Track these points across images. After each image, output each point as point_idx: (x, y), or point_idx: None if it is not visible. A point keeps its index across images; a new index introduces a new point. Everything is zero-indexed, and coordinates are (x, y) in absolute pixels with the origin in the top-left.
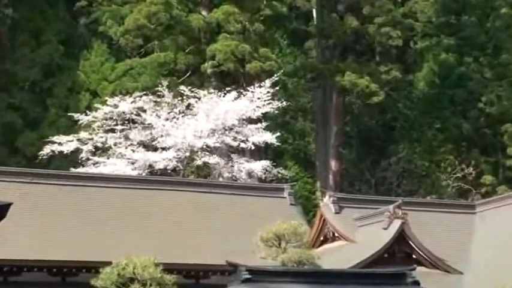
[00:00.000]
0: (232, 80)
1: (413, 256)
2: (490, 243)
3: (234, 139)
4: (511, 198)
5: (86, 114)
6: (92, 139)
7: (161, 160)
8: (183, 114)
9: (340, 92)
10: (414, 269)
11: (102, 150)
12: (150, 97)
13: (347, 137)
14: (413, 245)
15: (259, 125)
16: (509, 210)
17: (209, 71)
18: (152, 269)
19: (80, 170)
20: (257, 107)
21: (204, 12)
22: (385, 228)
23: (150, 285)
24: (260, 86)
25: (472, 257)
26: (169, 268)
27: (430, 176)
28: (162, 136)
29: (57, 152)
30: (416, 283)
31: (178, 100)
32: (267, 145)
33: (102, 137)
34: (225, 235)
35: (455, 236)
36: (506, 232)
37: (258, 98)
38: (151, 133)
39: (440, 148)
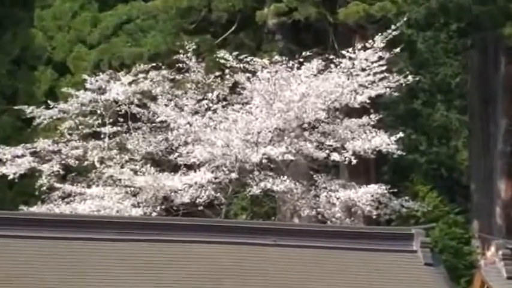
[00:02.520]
0: (314, 37)
1: None
2: None
3: (320, 146)
4: None
5: (48, 107)
6: (58, 152)
7: (186, 187)
8: (224, 103)
9: None
10: None
11: (77, 173)
12: (164, 73)
13: None
14: None
15: (365, 119)
16: None
17: (272, 22)
18: None
19: (39, 208)
20: (361, 86)
21: None
22: None
23: None
24: (365, 48)
25: None
26: None
27: None
28: (186, 144)
29: None
30: None
31: (216, 77)
32: (382, 156)
33: (77, 148)
34: None
35: None
36: None
37: (363, 70)
38: (167, 139)
39: None
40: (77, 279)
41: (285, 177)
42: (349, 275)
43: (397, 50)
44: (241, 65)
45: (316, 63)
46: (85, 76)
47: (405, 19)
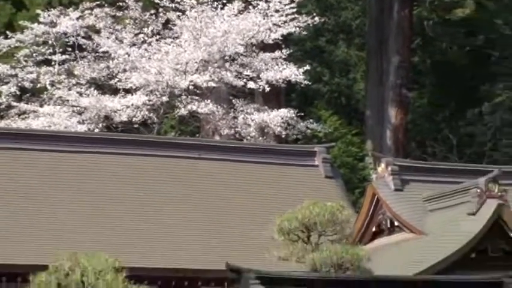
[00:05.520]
0: None
1: None
2: None
3: (238, 76)
4: None
5: (6, 37)
6: (15, 76)
7: (124, 108)
8: (158, 36)
9: (406, 1)
10: None
11: (31, 93)
12: (107, 10)
13: (415, 73)
14: None
15: (277, 53)
16: None
17: None
18: (111, 276)
19: None
20: (274, 25)
21: None
22: (473, 214)
23: None
24: None
25: None
26: (136, 275)
27: None
28: (125, 71)
29: None
30: None
31: (151, 14)
32: (291, 85)
33: (31, 73)
34: (223, 224)
35: None
36: None
37: (277, 11)
38: (108, 67)
39: None
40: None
41: (208, 101)
42: (261, 185)
43: None
44: (173, 5)
45: (236, 5)
46: (39, 11)
47: None
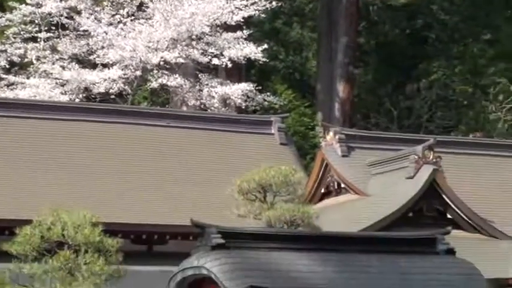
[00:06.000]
0: None
1: (448, 215)
2: None
3: (204, 53)
4: None
5: None
6: (4, 51)
7: (102, 81)
8: (132, 17)
9: None
10: (448, 232)
11: (19, 67)
12: None
13: (361, 52)
14: (449, 201)
15: (239, 33)
16: None
17: None
18: (88, 229)
19: None
20: (236, 8)
21: None
22: (410, 178)
23: (86, 251)
24: None
25: None
26: (111, 229)
27: (473, 107)
28: (103, 48)
29: None
30: (451, 252)
31: None
32: (250, 62)
33: (19, 48)
34: (187, 184)
35: (508, 190)
36: None
37: None
38: (88, 44)
39: (489, 68)
40: (14, 148)
41: (177, 75)
42: (223, 150)
43: None
44: None
45: None
46: None
47: None
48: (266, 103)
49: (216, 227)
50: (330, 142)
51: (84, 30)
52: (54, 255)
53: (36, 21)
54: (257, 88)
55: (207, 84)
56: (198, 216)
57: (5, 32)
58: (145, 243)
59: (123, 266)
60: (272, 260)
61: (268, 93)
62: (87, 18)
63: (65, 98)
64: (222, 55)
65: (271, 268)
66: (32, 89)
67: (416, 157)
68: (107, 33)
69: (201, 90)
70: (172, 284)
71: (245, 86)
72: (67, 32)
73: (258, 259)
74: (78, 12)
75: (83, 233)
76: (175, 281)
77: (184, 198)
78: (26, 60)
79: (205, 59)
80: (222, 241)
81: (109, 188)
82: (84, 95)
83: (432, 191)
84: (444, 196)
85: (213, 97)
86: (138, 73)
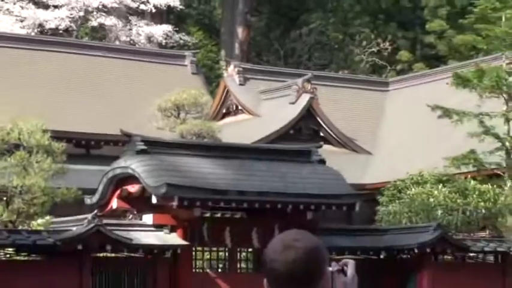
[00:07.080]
0: None
1: (321, 134)
2: (401, 123)
3: (134, 0)
4: (426, 76)
5: None
6: None
7: (53, 19)
8: None
9: None
10: (320, 146)
11: None
12: None
13: (257, 3)
14: (321, 122)
15: None
16: (424, 88)
17: None
18: (39, 135)
19: None
20: None
21: None
22: (292, 103)
23: (37, 152)
24: None
25: (382, 136)
26: (58, 136)
27: (343, 50)
28: None
29: None
30: (322, 162)
31: None
32: (170, 8)
33: None
34: (119, 102)
35: (367, 114)
36: (418, 112)
37: None
38: None
39: (356, 20)
40: None
41: (112, 16)
42: (147, 78)
43: None
44: None
45: None
46: None
47: None
48: (181, 41)
49: (140, 136)
50: (231, 73)
51: None
52: (12, 155)
53: None
54: (175, 29)
55: (135, 25)
56: (127, 128)
57: None
58: (85, 147)
59: (66, 165)
60: (184, 164)
61: (183, 34)
62: None
63: (23, 32)
64: (148, 2)
65: (183, 169)
66: None
67: (297, 87)
68: None
69: (130, 29)
70: (105, 179)
71: (166, 27)
72: None
73: (173, 162)
74: None
75: (35, 137)
76: (107, 177)
77: (116, 114)
78: None
79: (134, 5)
80: (144, 147)
81: (57, 102)
82: (38, 29)
83: (309, 114)
84: (318, 118)
85: (140, 35)
86: (82, 14)
